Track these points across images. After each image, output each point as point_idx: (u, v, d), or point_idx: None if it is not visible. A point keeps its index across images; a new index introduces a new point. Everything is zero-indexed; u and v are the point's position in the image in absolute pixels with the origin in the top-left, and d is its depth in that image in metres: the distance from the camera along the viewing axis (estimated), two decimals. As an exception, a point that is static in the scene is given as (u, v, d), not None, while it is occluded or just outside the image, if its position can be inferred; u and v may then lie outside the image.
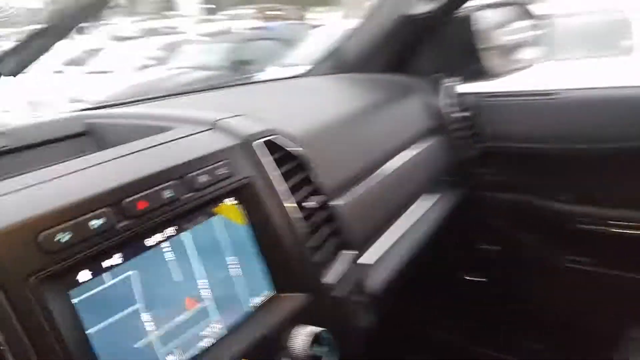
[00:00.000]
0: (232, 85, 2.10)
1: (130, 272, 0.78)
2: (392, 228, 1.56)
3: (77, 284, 0.72)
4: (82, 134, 1.21)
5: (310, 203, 1.10)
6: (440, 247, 1.84)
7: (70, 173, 0.80)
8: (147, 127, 1.12)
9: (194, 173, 0.89)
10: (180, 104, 1.61)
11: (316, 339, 0.95)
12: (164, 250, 0.84)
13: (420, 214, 1.71)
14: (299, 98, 1.76)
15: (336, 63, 2.18)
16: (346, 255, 1.17)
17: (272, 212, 1.00)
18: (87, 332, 0.71)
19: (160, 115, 1.20)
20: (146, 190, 0.81)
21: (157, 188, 0.83)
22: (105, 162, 0.85)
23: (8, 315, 0.63)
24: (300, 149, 1.15)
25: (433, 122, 1.92)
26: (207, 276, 0.89)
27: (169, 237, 0.85)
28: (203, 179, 0.90)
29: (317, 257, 1.07)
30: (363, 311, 1.16)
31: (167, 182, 0.85)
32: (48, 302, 0.67)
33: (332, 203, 1.19)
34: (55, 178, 0.78)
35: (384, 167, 1.57)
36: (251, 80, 3.24)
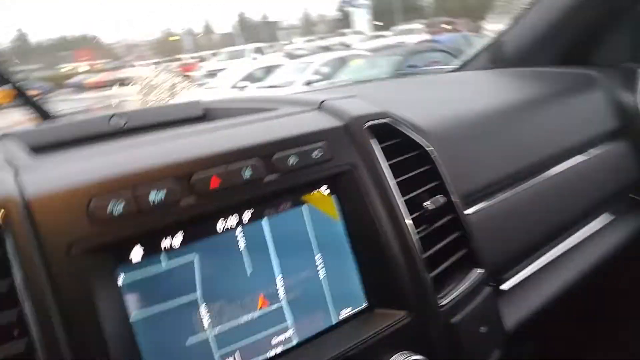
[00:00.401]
0: (374, 80, 1.96)
1: (192, 257, 0.68)
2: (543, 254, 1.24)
3: (127, 262, 0.64)
4: (200, 118, 1.18)
5: (431, 204, 0.90)
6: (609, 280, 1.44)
7: (141, 144, 0.74)
8: (256, 108, 1.04)
9: (283, 153, 0.76)
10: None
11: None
12: (237, 236, 0.72)
13: (583, 237, 1.35)
14: (439, 91, 1.55)
15: (494, 57, 1.89)
16: (474, 273, 0.94)
17: (375, 208, 0.82)
18: (130, 320, 0.63)
19: (271, 98, 1.11)
20: (222, 166, 0.71)
21: (235, 165, 0.72)
22: (183, 134, 0.78)
23: (42, 287, 0.56)
24: (422, 139, 0.95)
25: (619, 122, 1.53)
26: (286, 273, 0.75)
27: (244, 223, 0.73)
28: (292, 160, 0.77)
29: (433, 271, 0.87)
30: (489, 347, 0.91)
31: (249, 159, 0.73)
32: (90, 279, 0.59)
33: (460, 209, 0.96)
34: (123, 148, 0.72)
35: (539, 176, 1.27)
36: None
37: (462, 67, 1.99)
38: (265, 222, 0.75)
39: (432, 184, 0.94)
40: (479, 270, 0.94)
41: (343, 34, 32.83)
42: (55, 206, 0.59)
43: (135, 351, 0.62)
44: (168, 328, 0.65)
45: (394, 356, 0.76)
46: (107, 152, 0.70)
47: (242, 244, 0.72)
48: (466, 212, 1.01)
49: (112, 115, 1.01)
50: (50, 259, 0.57)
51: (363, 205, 0.82)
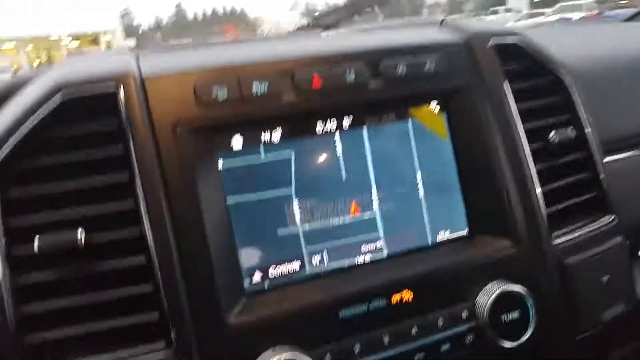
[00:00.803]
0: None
1: (289, 153, 0.69)
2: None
3: (227, 148, 0.67)
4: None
5: (557, 135, 0.80)
6: None
7: (253, 43, 0.76)
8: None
9: (391, 61, 0.73)
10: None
11: (514, 303, 0.68)
12: (335, 140, 0.71)
13: None
14: (596, 35, 1.36)
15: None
16: (604, 219, 0.82)
17: (491, 132, 0.76)
18: (227, 202, 0.66)
19: (400, 23, 1.07)
20: (326, 66, 0.70)
21: (339, 67, 0.70)
22: (295, 37, 0.78)
23: (151, 161, 0.61)
24: (556, 65, 0.85)
25: None
26: (382, 185, 0.73)
27: (343, 128, 0.72)
28: (401, 69, 0.73)
29: (553, 207, 0.78)
30: (609, 299, 0.79)
31: (354, 62, 0.71)
32: (193, 158, 0.63)
33: (594, 147, 0.84)
34: (234, 45, 0.75)
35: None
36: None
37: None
38: (365, 131, 0.73)
39: (564, 117, 0.83)
40: (610, 217, 0.82)
41: (495, 12, 30.68)
42: (166, 86, 0.64)
43: (230, 233, 0.65)
44: (261, 217, 0.67)
45: (490, 283, 0.70)
46: (218, 48, 0.74)
47: (339, 149, 0.71)
48: (604, 160, 0.88)
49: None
50: (158, 134, 0.62)
51: (477, 127, 0.76)
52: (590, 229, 0.80)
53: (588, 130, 0.84)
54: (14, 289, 0.57)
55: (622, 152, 0.95)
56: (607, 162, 0.88)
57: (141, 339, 0.59)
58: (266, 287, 0.67)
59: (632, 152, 0.96)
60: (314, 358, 0.61)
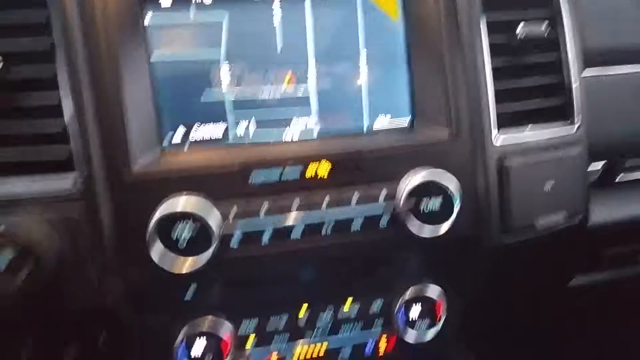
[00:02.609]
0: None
1: (222, 16, 0.67)
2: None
3: (156, 4, 0.65)
4: None
5: (524, 29, 0.74)
6: None
7: None
8: None
9: None
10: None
11: (437, 192, 0.68)
12: (273, 8, 0.69)
13: None
14: None
15: None
16: (559, 126, 0.77)
17: (447, 20, 0.71)
18: (151, 59, 0.66)
19: None
20: None
21: None
22: None
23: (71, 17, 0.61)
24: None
25: None
26: (322, 61, 0.70)
27: (285, -5, 0.68)
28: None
29: (506, 105, 0.74)
30: (551, 210, 0.77)
31: None
32: (119, 9, 0.63)
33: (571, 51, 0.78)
34: None
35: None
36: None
37: None
38: (308, 2, 0.69)
39: (541, 11, 0.76)
40: (572, 127, 0.77)
41: None
42: None
43: (151, 89, 0.66)
44: (187, 78, 0.67)
45: (416, 169, 0.68)
46: None
47: (277, 16, 0.69)
48: (587, 71, 0.81)
49: None
50: None
51: (433, 13, 0.70)
52: (544, 135, 0.76)
53: (567, 29, 0.76)
54: None
55: (616, 66, 0.87)
56: (593, 75, 0.82)
57: (49, 174, 0.63)
58: (185, 148, 0.69)
59: (629, 68, 0.87)
60: (220, 209, 0.64)
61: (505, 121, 0.74)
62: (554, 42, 0.77)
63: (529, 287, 1.00)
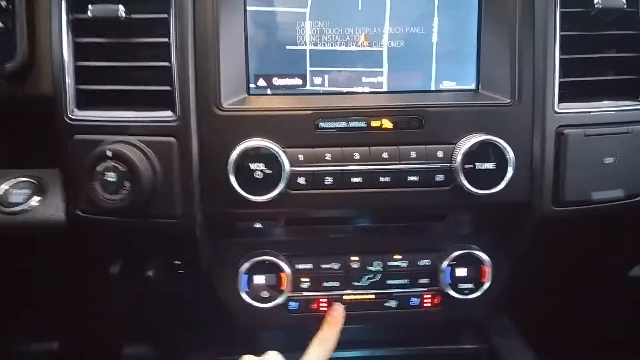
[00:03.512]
0: None
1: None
2: None
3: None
4: None
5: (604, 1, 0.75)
6: None
7: None
8: None
9: None
10: None
11: (494, 154, 0.72)
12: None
13: None
14: None
15: None
16: (633, 103, 0.79)
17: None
18: (247, 7, 0.74)
19: None
20: None
21: None
22: None
23: None
24: None
25: None
26: (397, 23, 0.76)
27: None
28: None
29: (573, 77, 0.76)
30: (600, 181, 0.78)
31: None
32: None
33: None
34: None
35: None
36: None
37: None
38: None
39: None
40: (637, 104, 0.78)
41: None
42: None
43: (244, 37, 0.74)
44: (274, 29, 0.75)
45: (476, 132, 0.73)
46: None
47: (361, -20, 0.75)
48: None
49: None
50: None
51: None
52: (610, 110, 0.77)
53: None
54: (71, 46, 0.72)
55: None
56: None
57: (153, 105, 0.73)
58: (269, 92, 0.77)
59: None
60: (289, 156, 0.71)
61: (570, 92, 0.76)
62: (632, 17, 0.78)
63: (579, 264, 1.01)
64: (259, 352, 0.70)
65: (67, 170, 0.74)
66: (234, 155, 0.70)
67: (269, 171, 0.70)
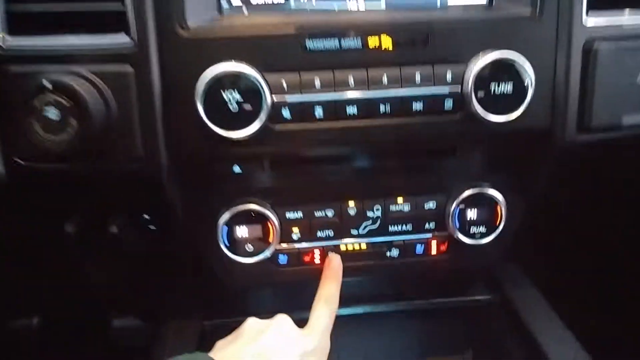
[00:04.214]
0: None
1: None
2: None
3: None
4: None
5: None
6: None
7: None
8: None
9: None
10: None
11: (511, 74, 0.61)
12: None
13: None
14: None
15: None
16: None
17: None
18: None
19: None
20: None
21: None
22: None
23: None
24: None
25: None
26: None
27: None
28: None
29: None
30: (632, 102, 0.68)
31: None
32: None
33: None
34: None
35: None
36: None
37: None
38: None
39: None
40: None
41: None
42: None
43: None
44: None
45: (490, 49, 0.61)
46: None
47: None
48: None
49: None
50: None
51: None
52: (641, 20, 0.66)
53: None
54: None
55: None
56: None
57: (103, 29, 0.60)
58: (245, 12, 0.64)
59: None
60: (270, 82, 0.59)
61: (600, 2, 0.65)
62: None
63: (597, 207, 0.93)
64: (249, 315, 0.61)
65: (1, 110, 0.61)
66: (202, 82, 0.57)
67: (246, 102, 0.59)
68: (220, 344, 0.57)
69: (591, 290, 1.02)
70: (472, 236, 0.73)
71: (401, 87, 0.62)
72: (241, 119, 0.59)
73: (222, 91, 0.58)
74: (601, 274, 1.02)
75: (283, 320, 0.60)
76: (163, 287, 0.89)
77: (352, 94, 0.62)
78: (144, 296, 0.92)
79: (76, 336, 1.00)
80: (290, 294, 0.76)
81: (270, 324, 0.59)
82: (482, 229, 0.73)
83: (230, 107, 0.59)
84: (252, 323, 0.59)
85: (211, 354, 0.53)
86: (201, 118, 0.58)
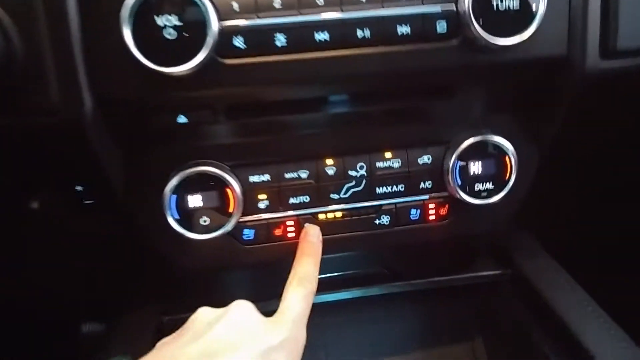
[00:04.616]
0: None
1: None
2: None
3: None
4: None
5: None
6: None
7: None
8: None
9: None
10: None
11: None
12: None
13: None
14: None
15: None
16: None
17: None
18: None
19: None
20: None
21: None
22: None
23: None
24: None
25: None
26: None
27: None
28: None
29: None
30: None
31: None
32: None
33: None
34: None
35: None
36: None
37: None
38: None
39: None
40: None
41: None
42: None
43: None
44: None
45: None
46: None
47: None
48: None
49: None
50: None
51: None
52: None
53: None
54: None
55: None
56: None
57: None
58: None
59: None
60: (217, 2, 0.47)
61: None
62: None
63: (618, 161, 0.80)
64: (219, 304, 0.48)
65: None
66: (129, 1, 0.45)
67: (186, 28, 0.46)
68: (159, 343, 0.45)
69: (617, 262, 0.89)
70: (477, 195, 0.61)
71: (382, 6, 0.50)
72: (180, 50, 0.46)
73: (154, 14, 0.46)
74: (631, 241, 0.89)
75: (240, 308, 0.46)
76: (111, 276, 0.75)
77: (322, 16, 0.49)
78: (91, 289, 0.78)
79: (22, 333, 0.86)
80: (263, 279, 0.63)
81: (224, 314, 0.46)
82: (489, 186, 0.61)
83: (166, 35, 0.46)
84: (202, 314, 0.46)
85: (145, 358, 0.40)
86: (129, 49, 0.46)
